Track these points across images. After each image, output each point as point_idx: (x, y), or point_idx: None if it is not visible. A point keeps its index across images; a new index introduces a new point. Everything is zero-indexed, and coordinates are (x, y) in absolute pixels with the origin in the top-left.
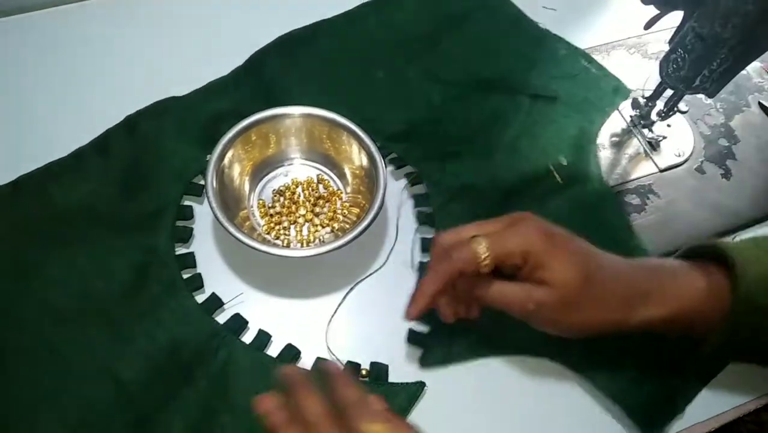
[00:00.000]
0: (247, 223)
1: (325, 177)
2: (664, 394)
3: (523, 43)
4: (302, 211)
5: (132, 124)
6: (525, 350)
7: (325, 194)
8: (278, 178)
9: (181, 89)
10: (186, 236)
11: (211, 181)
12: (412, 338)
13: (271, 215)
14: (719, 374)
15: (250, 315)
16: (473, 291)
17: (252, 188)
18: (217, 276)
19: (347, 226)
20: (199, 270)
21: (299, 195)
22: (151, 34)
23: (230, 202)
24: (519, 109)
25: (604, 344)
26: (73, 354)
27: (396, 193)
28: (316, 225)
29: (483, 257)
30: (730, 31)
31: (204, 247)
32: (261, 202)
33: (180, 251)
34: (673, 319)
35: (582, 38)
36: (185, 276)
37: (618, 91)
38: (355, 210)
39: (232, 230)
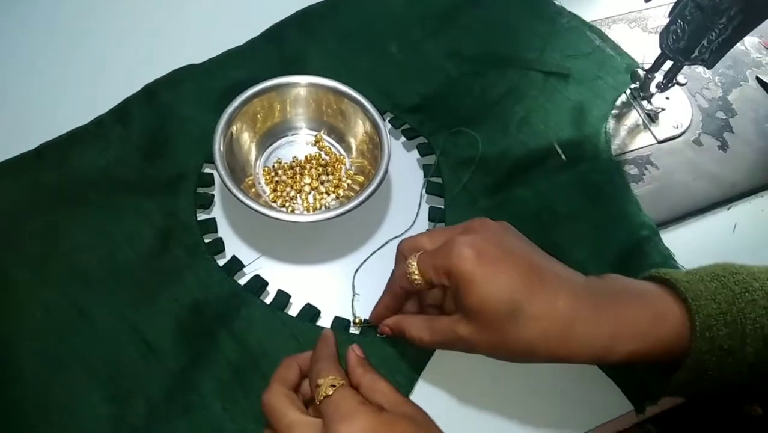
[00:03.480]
0: (253, 190)
1: (326, 144)
2: (656, 374)
3: (539, 20)
4: (307, 180)
5: (151, 92)
6: None
7: (329, 160)
8: (284, 147)
9: (198, 59)
10: (207, 202)
11: (218, 147)
12: None
13: (277, 182)
14: None
15: (269, 277)
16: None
17: (258, 156)
18: (237, 241)
19: (352, 194)
20: (220, 235)
21: (304, 164)
22: (169, 5)
23: (237, 169)
24: (532, 86)
25: None
26: (100, 315)
27: (408, 163)
28: (321, 193)
29: (414, 275)
30: (729, 1)
31: (225, 213)
32: (266, 169)
33: (201, 216)
34: (647, 352)
35: (583, 12)
36: (207, 240)
37: (630, 69)
38: (360, 178)
39: (241, 196)
